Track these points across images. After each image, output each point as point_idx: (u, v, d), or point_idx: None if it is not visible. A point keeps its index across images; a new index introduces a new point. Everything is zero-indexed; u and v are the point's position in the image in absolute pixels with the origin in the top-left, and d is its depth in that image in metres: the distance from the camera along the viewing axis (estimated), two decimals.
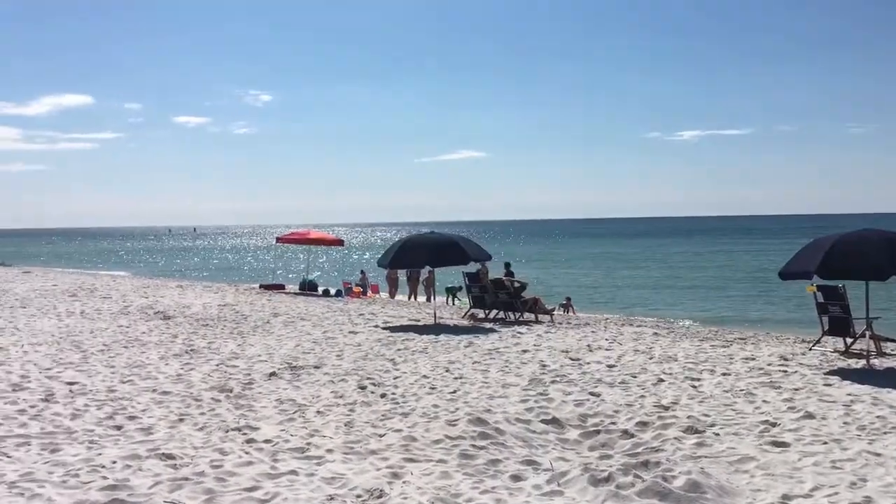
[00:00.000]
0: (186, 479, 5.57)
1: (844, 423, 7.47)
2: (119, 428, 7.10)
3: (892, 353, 12.05)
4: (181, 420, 7.47)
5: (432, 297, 23.33)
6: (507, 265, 20.72)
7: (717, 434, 7.13)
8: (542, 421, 7.67)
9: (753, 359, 11.18)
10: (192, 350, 11.87)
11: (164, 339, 13.10)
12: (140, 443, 6.53)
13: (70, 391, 8.59)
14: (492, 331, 14.75)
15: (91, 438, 6.66)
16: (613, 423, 7.59)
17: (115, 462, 5.89)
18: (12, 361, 10.37)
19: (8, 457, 5.98)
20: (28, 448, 6.27)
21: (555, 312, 18.59)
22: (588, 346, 12.45)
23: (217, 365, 10.61)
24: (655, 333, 14.54)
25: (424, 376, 9.94)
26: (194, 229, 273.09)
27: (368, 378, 9.77)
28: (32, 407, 7.75)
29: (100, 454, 6.12)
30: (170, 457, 6.08)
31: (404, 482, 5.67)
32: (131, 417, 7.51)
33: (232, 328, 14.74)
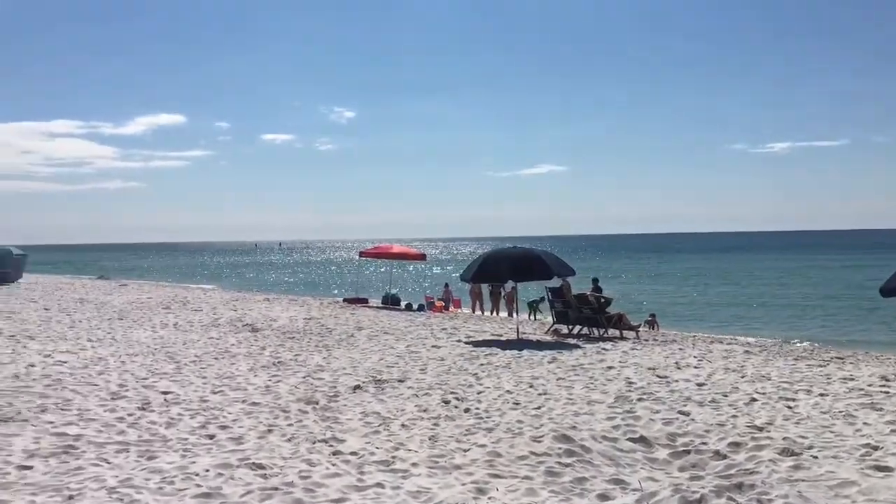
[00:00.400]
0: (276, 488, 5.66)
1: None
2: (211, 437, 7.29)
3: None
4: (270, 431, 7.62)
5: (514, 312, 23.23)
6: (595, 280, 20.46)
7: (815, 457, 6.82)
8: (630, 439, 7.51)
9: (852, 379, 10.70)
10: (279, 362, 12.13)
11: (252, 351, 13.43)
12: (231, 452, 6.69)
13: (165, 400, 8.89)
14: (576, 347, 14.58)
15: (185, 447, 6.86)
16: (704, 444, 7.36)
17: (207, 470, 6.04)
18: (111, 371, 10.80)
19: (108, 463, 6.22)
20: (126, 455, 6.51)
21: (640, 329, 18.25)
22: (675, 363, 12.16)
23: (303, 377, 10.80)
24: (747, 351, 14.10)
25: (508, 391, 9.87)
26: (280, 244, 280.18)
27: (452, 392, 9.77)
28: (130, 415, 8.05)
29: (193, 462, 6.29)
30: (260, 466, 6.20)
31: (490, 498, 5.63)
32: (223, 427, 7.71)
33: (317, 341, 15.00)
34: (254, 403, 8.91)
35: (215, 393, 9.49)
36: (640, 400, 9.26)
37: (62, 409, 8.13)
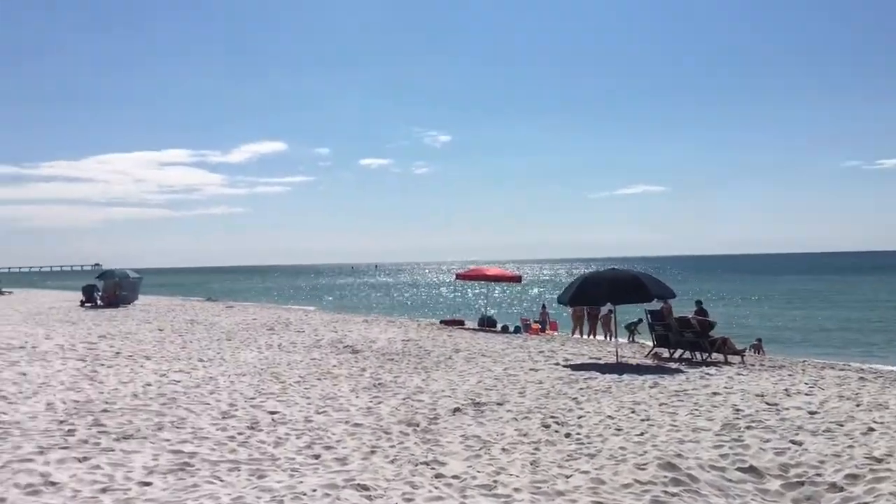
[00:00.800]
0: None
1: None
2: (317, 457, 7.48)
3: None
4: (373, 452, 7.75)
5: (612, 336, 22.85)
6: (699, 303, 19.93)
7: None
8: (739, 469, 7.27)
9: None
10: (379, 384, 12.33)
11: (353, 372, 13.70)
12: (337, 472, 6.84)
13: (272, 420, 9.17)
14: (678, 371, 14.22)
15: (293, 466, 7.06)
16: (819, 475, 7.05)
17: (315, 490, 6.19)
18: (221, 390, 11.23)
19: (221, 480, 6.47)
20: (238, 473, 6.75)
21: (745, 353, 17.63)
22: (785, 390, 11.69)
23: (403, 399, 10.94)
24: (861, 378, 13.41)
25: (609, 417, 9.72)
26: (376, 266, 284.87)
27: (552, 416, 9.70)
28: (240, 434, 8.35)
29: (301, 482, 6.46)
30: (365, 488, 6.32)
31: None
32: (327, 447, 7.89)
33: (416, 363, 15.17)
34: (356, 424, 9.08)
35: (319, 413, 9.72)
36: (748, 428, 8.95)
37: (177, 428, 8.51)
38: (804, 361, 18.44)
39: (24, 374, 12.01)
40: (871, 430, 8.80)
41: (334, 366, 14.50)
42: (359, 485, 6.39)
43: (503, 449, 8.00)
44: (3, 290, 53.18)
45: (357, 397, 11.01)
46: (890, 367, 18.47)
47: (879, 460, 7.42)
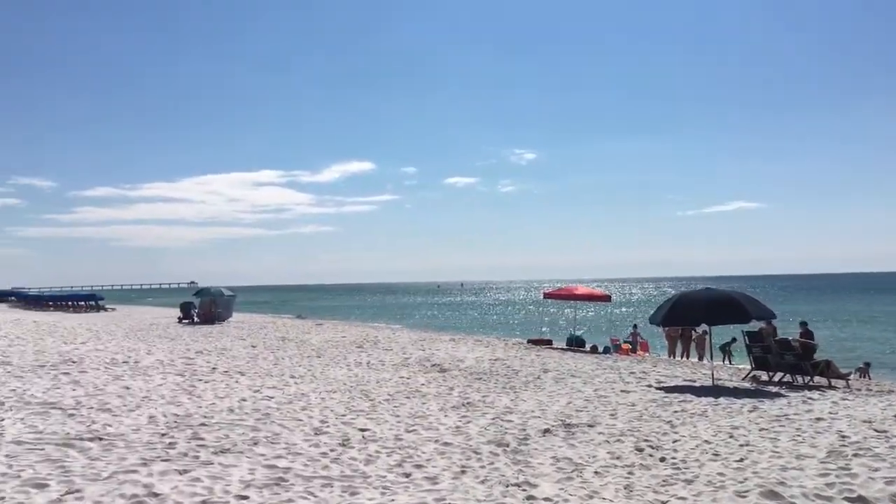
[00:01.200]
0: None
1: None
2: (408, 475, 7.49)
3: None
4: (463, 472, 7.71)
5: (707, 357, 22.20)
6: (804, 324, 19.16)
7: None
8: (847, 499, 6.89)
9: None
10: (468, 403, 12.29)
11: (441, 391, 13.71)
12: (427, 491, 6.84)
13: (363, 437, 9.26)
14: (778, 395, 13.66)
15: (384, 484, 7.10)
16: None
17: None
18: (313, 407, 11.41)
19: (314, 496, 6.55)
20: (331, 489, 6.82)
21: (850, 377, 16.81)
22: (895, 416, 11.06)
23: (492, 419, 10.87)
24: None
25: (706, 441, 9.40)
26: (461, 284, 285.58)
27: (645, 440, 9.45)
28: (332, 450, 8.45)
29: (392, 500, 6.49)
30: None
31: None
32: (418, 466, 7.90)
33: (504, 382, 15.07)
34: (446, 443, 9.07)
35: (409, 431, 9.76)
36: (855, 456, 8.49)
37: (272, 443, 8.68)
38: None
39: (128, 388, 12.52)
40: None
41: (423, 384, 14.56)
42: None
43: (595, 472, 7.84)
44: (107, 306, 55.78)
45: (446, 416, 11.01)
46: None
47: None
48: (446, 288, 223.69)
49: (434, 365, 18.00)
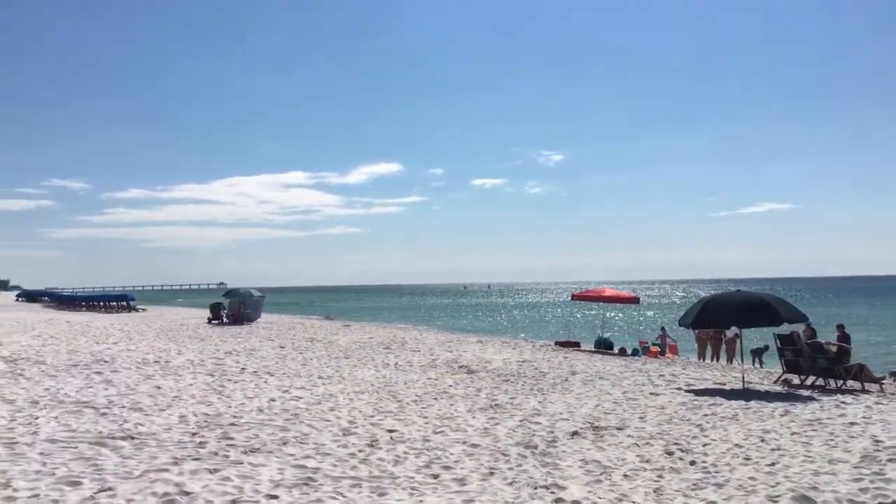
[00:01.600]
0: None
1: None
2: (436, 477, 7.49)
3: None
4: (492, 473, 7.70)
5: (737, 360, 21.97)
6: (841, 327, 18.85)
7: None
8: None
9: None
10: (495, 405, 12.26)
11: (469, 392, 13.70)
12: (456, 493, 6.83)
13: (391, 438, 9.27)
14: (810, 399, 13.47)
15: (412, 485, 7.10)
16: None
17: None
18: (341, 408, 11.46)
19: (343, 497, 6.57)
20: (360, 490, 6.84)
21: (884, 382, 16.53)
22: None
23: (520, 421, 10.84)
24: None
25: (737, 445, 9.29)
26: (488, 286, 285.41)
27: (675, 443, 9.36)
28: (360, 451, 8.48)
29: (421, 501, 6.49)
30: None
31: None
32: (446, 467, 7.90)
33: (532, 384, 15.02)
34: (474, 445, 9.06)
35: (437, 433, 9.76)
36: (890, 461, 8.34)
37: (301, 443, 8.73)
38: None
39: (159, 388, 12.66)
40: None
41: (450, 385, 14.56)
42: None
43: (625, 475, 7.78)
44: (138, 307, 56.50)
45: (474, 418, 10.99)
46: None
47: None
48: (473, 289, 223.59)
49: (462, 366, 18.00)
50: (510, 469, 7.92)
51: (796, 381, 16.29)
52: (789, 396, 13.95)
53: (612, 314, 55.41)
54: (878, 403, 12.88)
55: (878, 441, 9.43)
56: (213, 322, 36.62)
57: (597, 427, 10.38)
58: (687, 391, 14.42)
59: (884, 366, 20.21)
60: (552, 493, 7.00)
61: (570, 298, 30.52)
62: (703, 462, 8.40)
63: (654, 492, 7.14)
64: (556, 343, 28.40)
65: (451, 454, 8.54)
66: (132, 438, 8.49)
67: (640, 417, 11.29)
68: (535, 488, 7.13)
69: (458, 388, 14.27)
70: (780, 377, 16.95)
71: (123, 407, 10.59)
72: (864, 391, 15.06)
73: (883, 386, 15.94)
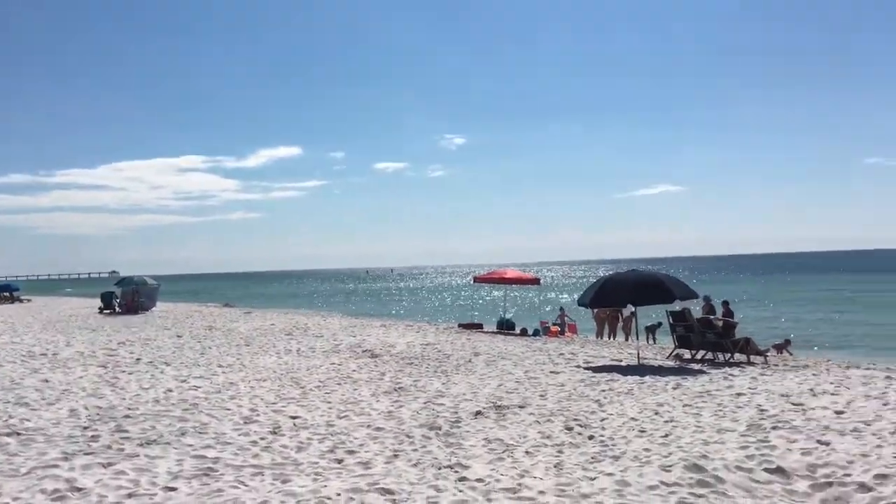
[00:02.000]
0: None
1: None
2: (340, 461, 7.46)
3: None
4: (396, 456, 7.72)
5: (633, 338, 22.75)
6: (726, 303, 19.76)
7: None
8: (766, 470, 7.17)
9: None
10: (399, 388, 12.30)
11: (373, 376, 13.68)
12: (360, 476, 6.82)
13: (294, 425, 9.17)
14: (701, 372, 14.10)
15: (316, 471, 7.05)
16: (848, 475, 6.93)
17: (339, 494, 6.17)
18: (242, 396, 11.24)
19: (245, 485, 6.46)
20: (262, 478, 6.74)
21: (768, 354, 17.46)
22: (810, 390, 11.54)
23: (424, 403, 10.91)
24: (888, 377, 13.17)
25: (633, 418, 9.64)
26: (391, 270, 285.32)
27: (575, 419, 9.63)
28: (262, 439, 8.34)
29: (325, 486, 6.44)
30: (389, 491, 6.29)
31: None
32: (350, 452, 7.87)
33: (435, 367, 15.13)
34: (378, 428, 9.06)
35: (341, 418, 9.71)
36: (774, 428, 8.84)
37: (200, 433, 8.52)
38: (828, 361, 18.23)
39: (47, 381, 12.09)
40: None
41: (354, 370, 14.50)
42: (383, 489, 6.37)
43: (526, 452, 7.95)
44: (23, 297, 53.67)
45: (378, 402, 10.99)
46: None
47: None
48: (376, 274, 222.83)
49: (365, 351, 17.94)
50: (415, 451, 7.96)
51: (687, 355, 17.00)
52: (681, 370, 14.55)
53: (514, 295, 56.32)
54: (762, 374, 13.59)
55: (762, 410, 9.97)
56: (104, 312, 35.19)
57: (499, 406, 10.55)
58: (585, 368, 14.84)
59: (769, 339, 21.32)
60: (456, 472, 7.08)
61: (472, 281, 30.83)
62: (601, 436, 8.67)
63: (555, 467, 7.33)
64: (460, 325, 28.66)
65: (356, 438, 8.52)
66: (18, 434, 8.08)
67: (541, 395, 11.55)
68: (440, 468, 7.20)
69: (362, 372, 14.23)
70: (672, 352, 17.65)
71: (8, 402, 10.07)
72: (749, 363, 15.86)
73: (767, 358, 16.83)
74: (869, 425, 8.91)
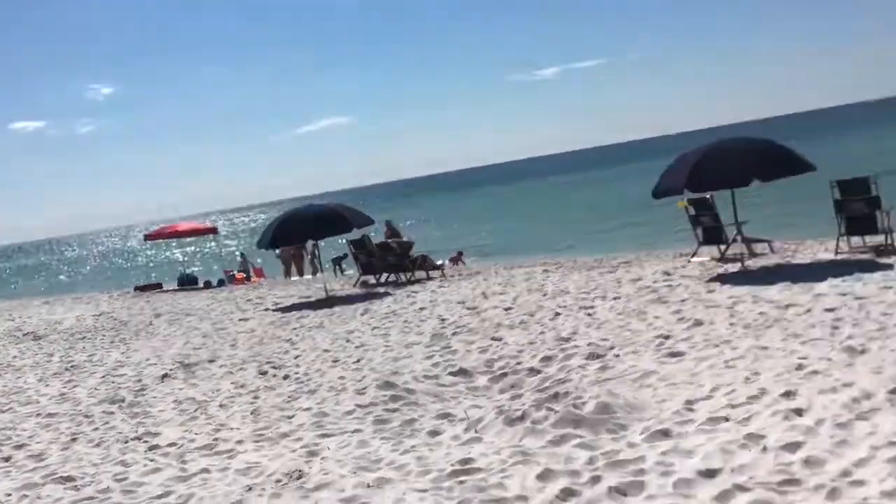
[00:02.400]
0: (91, 498, 5.25)
1: (731, 324, 7.86)
2: (7, 459, 6.60)
3: (763, 252, 12.77)
4: (74, 440, 7.02)
5: (319, 272, 22.98)
6: (388, 223, 20.57)
7: (618, 355, 7.35)
8: (450, 373, 7.69)
9: (640, 279, 11.57)
10: (72, 366, 11.19)
11: (39, 359, 12.29)
12: (33, 470, 6.09)
13: None
14: (386, 295, 14.65)
15: None
16: (519, 364, 7.68)
17: (9, 495, 5.46)
18: None
19: None
20: None
21: (444, 267, 18.65)
22: (483, 293, 12.54)
23: (103, 377, 10.04)
24: (545, 271, 14.77)
25: (325, 350, 9.75)
26: (50, 242, 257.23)
27: (268, 362, 9.49)
28: None
29: None
30: (69, 479, 5.70)
31: (322, 458, 5.54)
32: (19, 446, 7.00)
33: (112, 337, 13.99)
34: (50, 415, 8.17)
35: (3, 412, 8.60)
36: (454, 334, 9.49)
37: None
38: (496, 264, 19.97)
39: None
40: (557, 314, 9.77)
41: (15, 357, 12.88)
42: (61, 477, 5.76)
43: (220, 405, 7.68)
44: None
45: (47, 386, 9.89)
46: (566, 257, 20.54)
47: (567, 339, 8.28)
48: (27, 249, 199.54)
49: (27, 334, 16.02)
50: (95, 430, 7.30)
51: (372, 280, 17.58)
52: (368, 296, 14.99)
53: (193, 249, 53.90)
54: (441, 287, 14.48)
55: (443, 319, 10.65)
56: None
57: (188, 364, 10.04)
58: (275, 310, 14.69)
59: (445, 253, 22.68)
60: (145, 442, 6.63)
61: (143, 240, 28.89)
62: (296, 374, 8.65)
63: (252, 413, 7.17)
64: (136, 288, 26.76)
65: (24, 430, 7.59)
66: None
67: (231, 345, 11.22)
68: (126, 442, 6.69)
69: (26, 357, 12.69)
70: (357, 280, 18.13)
71: None
72: (429, 278, 16.82)
73: (444, 271, 17.97)
74: (533, 316, 9.95)
